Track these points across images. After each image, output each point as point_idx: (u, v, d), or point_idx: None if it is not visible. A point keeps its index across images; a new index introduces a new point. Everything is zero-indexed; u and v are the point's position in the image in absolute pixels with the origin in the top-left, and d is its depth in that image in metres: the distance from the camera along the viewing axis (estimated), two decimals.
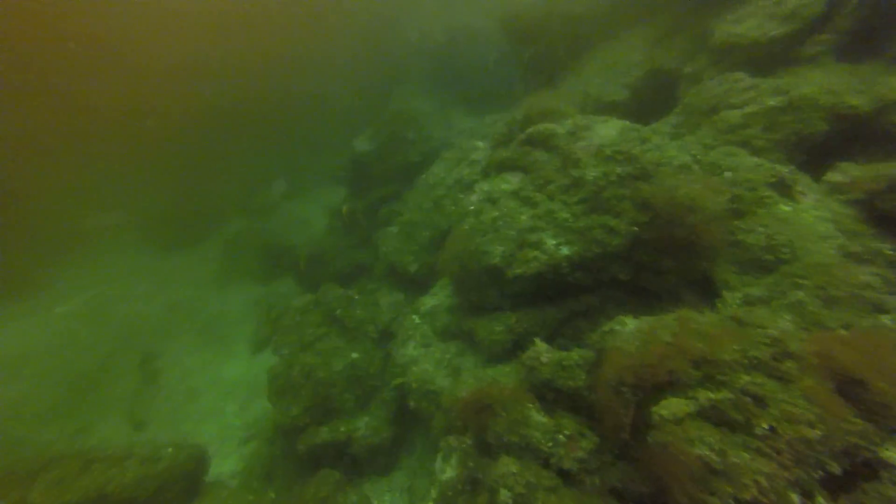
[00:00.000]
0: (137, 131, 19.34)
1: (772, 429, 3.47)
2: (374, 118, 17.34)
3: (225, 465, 8.84)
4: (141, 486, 7.63)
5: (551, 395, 4.74)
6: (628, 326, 4.49)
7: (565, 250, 6.13)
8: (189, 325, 13.11)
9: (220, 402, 10.33)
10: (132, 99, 19.33)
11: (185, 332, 12.99)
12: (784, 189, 6.05)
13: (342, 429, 7.77)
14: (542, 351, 4.99)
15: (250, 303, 13.21)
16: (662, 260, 5.74)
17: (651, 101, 7.96)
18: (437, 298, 7.87)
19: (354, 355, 8.19)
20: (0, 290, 15.30)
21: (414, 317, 7.80)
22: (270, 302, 12.52)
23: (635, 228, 5.83)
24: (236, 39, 19.63)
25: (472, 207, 7.42)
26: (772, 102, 6.95)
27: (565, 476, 4.20)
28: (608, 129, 6.85)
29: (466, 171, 9.18)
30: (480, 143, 9.72)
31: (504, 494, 4.19)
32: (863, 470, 3.36)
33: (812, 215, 5.75)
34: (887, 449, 3.38)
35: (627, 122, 6.82)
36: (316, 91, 20.30)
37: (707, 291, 5.78)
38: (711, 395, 3.68)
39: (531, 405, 4.69)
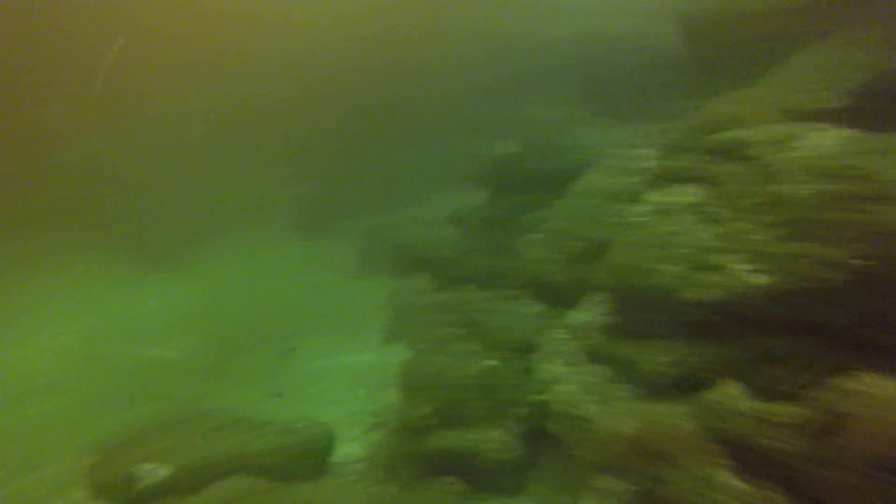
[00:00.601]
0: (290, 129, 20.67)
1: None
2: (508, 123, 16.91)
3: (349, 448, 8.89)
4: (275, 454, 7.89)
5: (748, 456, 3.92)
6: (888, 391, 3.55)
7: (761, 279, 5.19)
8: (326, 309, 13.63)
9: (350, 387, 10.51)
10: (287, 100, 20.78)
11: (322, 315, 13.52)
12: None
13: (471, 437, 7.41)
14: (737, 396, 4.18)
15: (385, 295, 13.41)
16: None
17: (881, 110, 6.64)
18: (588, 315, 7.22)
19: (491, 362, 7.80)
20: (154, 260, 17.07)
21: (560, 332, 7.23)
22: (405, 296, 12.59)
23: (863, 263, 4.75)
24: (370, 49, 20.32)
25: (638, 219, 6.66)
26: None
27: None
28: (825, 139, 5.75)
29: (629, 181, 8.40)
30: (644, 151, 8.87)
31: None
32: None
33: None
34: None
35: (852, 132, 5.68)
36: (442, 92, 20.38)
37: None
38: None
39: (720, 463, 3.92)
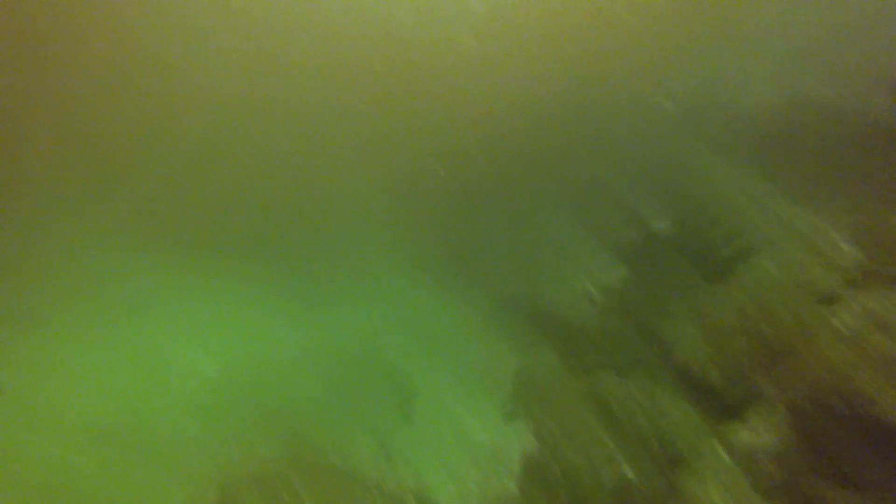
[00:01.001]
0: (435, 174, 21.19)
1: None
2: (669, 186, 15.61)
3: None
4: None
5: None
6: None
7: None
8: (450, 366, 13.22)
9: (464, 464, 9.81)
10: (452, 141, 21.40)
11: (446, 372, 13.12)
12: None
13: None
14: None
15: (513, 363, 12.70)
16: None
17: None
18: (758, 435, 5.89)
19: (628, 472, 6.69)
20: (298, 294, 18.02)
21: (721, 451, 5.96)
22: (535, 372, 11.77)
23: None
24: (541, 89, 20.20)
25: (839, 327, 5.36)
26: None
27: None
28: None
29: (821, 275, 7.00)
30: (846, 244, 7.41)
31: None
32: None
33: None
34: None
35: None
36: (605, 148, 19.53)
37: None
38: None
39: None
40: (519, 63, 21.04)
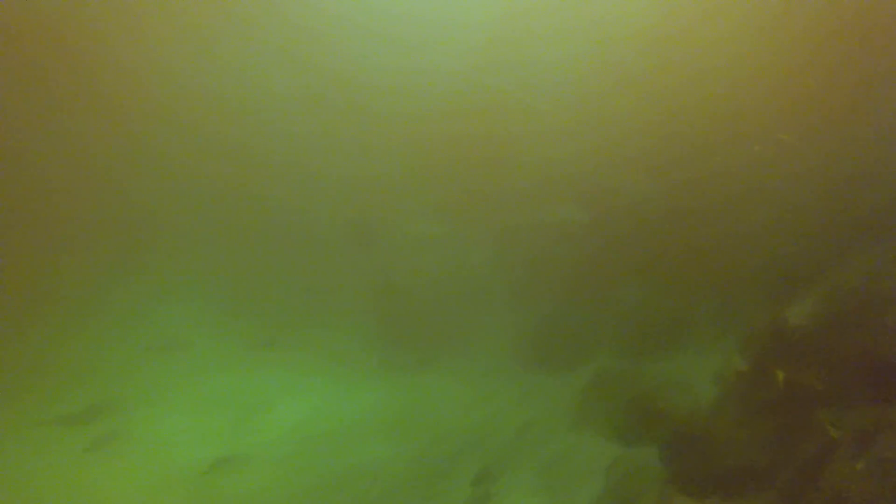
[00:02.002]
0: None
1: None
2: (817, 278, 13.62)
3: None
4: None
5: None
6: None
7: None
8: (532, 456, 12.08)
9: None
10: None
11: (527, 463, 11.99)
12: None
13: None
14: None
15: (603, 460, 11.31)
16: None
17: None
18: None
19: None
20: (384, 358, 17.85)
21: None
22: (630, 470, 10.35)
23: None
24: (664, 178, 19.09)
25: None
26: None
27: None
28: None
29: None
30: None
31: None
32: None
33: None
34: None
35: None
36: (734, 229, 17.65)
37: None
38: None
39: None
40: None
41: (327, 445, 14.00)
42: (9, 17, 18.26)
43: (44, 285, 18.26)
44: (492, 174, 22.69)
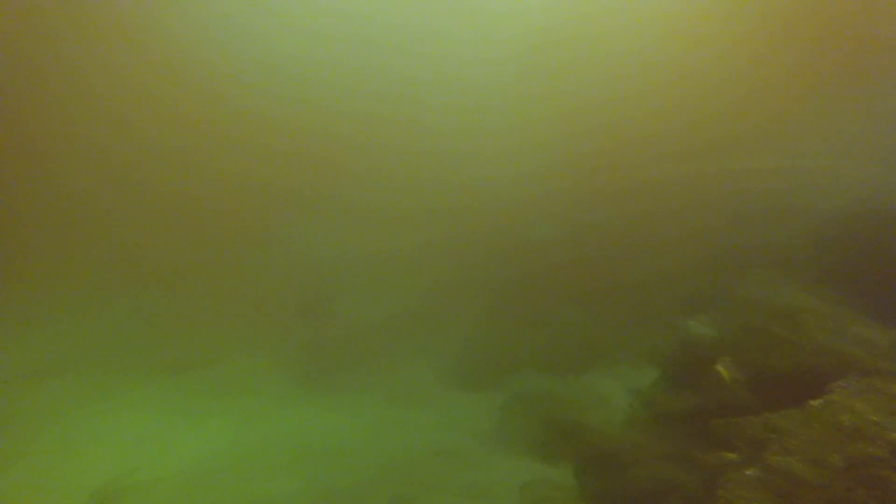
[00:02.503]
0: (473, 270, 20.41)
1: None
2: (715, 298, 14.27)
3: None
4: None
5: None
6: None
7: None
8: (449, 482, 11.61)
9: None
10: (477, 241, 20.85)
11: (443, 489, 11.50)
12: None
13: None
14: None
15: (518, 482, 11.03)
16: None
17: None
18: None
19: None
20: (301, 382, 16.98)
21: None
22: (541, 491, 10.11)
23: None
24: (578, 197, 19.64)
25: None
26: None
27: None
28: None
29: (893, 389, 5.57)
30: None
31: None
32: None
33: None
34: None
35: None
36: (649, 254, 18.37)
37: None
38: None
39: None
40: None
41: (230, 478, 12.87)
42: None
43: None
44: (415, 193, 22.60)
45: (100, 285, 18.93)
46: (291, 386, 17.27)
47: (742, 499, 7.26)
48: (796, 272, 13.09)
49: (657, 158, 19.63)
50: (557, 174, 19.85)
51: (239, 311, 20.00)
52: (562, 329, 18.42)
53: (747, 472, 7.29)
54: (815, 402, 5.88)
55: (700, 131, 20.35)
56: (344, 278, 22.09)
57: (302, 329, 20.10)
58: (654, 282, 17.20)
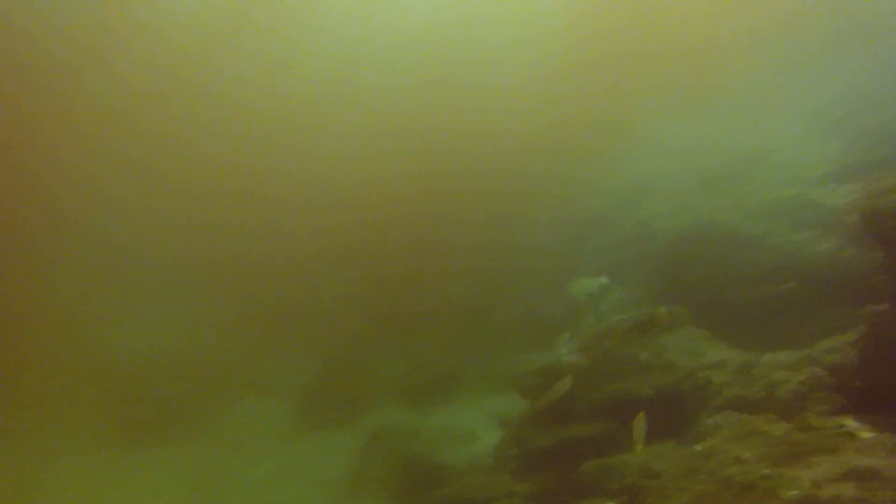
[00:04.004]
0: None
1: None
2: (573, 322, 14.11)
3: None
4: None
5: None
6: None
7: None
8: None
9: None
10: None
11: None
12: None
13: None
14: None
15: None
16: None
17: None
18: None
19: None
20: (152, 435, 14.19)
21: None
22: None
23: None
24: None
25: None
26: None
27: None
28: None
29: (776, 431, 5.11)
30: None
31: None
32: None
33: None
34: None
35: None
36: (495, 277, 18.13)
37: None
38: None
39: None
40: None
41: None
42: None
43: None
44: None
45: None
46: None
47: None
48: (648, 290, 13.35)
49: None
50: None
51: None
52: (421, 363, 17.26)
53: None
54: (699, 448, 5.26)
55: None
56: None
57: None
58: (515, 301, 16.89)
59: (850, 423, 5.04)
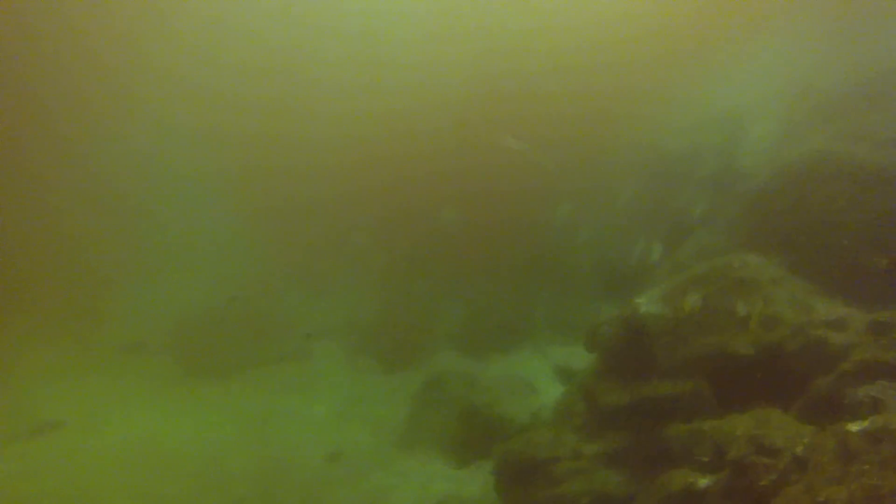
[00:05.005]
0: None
1: None
2: (659, 274, 12.71)
3: None
4: None
5: None
6: None
7: None
8: (343, 495, 9.34)
9: None
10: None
11: (336, 502, 9.23)
12: None
13: None
14: None
15: (431, 493, 8.97)
16: None
17: None
18: None
19: None
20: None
21: None
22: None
23: None
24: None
25: None
26: None
27: None
28: None
29: None
30: None
31: None
32: None
33: None
34: None
35: None
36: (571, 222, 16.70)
37: None
38: None
39: None
40: None
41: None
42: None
43: None
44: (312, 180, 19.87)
45: None
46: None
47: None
48: (736, 237, 11.72)
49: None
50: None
51: None
52: (481, 307, 16.44)
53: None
54: (853, 427, 4.01)
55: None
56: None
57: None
58: (586, 249, 15.55)
59: None
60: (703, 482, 5.19)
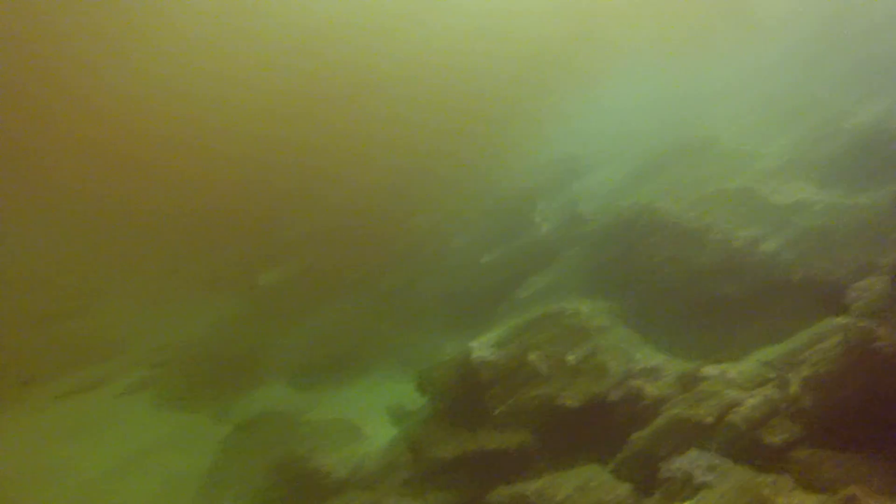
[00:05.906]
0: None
1: None
2: (498, 313, 12.47)
3: None
4: None
5: None
6: None
7: None
8: None
9: None
10: None
11: None
12: None
13: None
14: None
15: None
16: None
17: None
18: None
19: None
20: None
21: None
22: None
23: None
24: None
25: None
26: None
27: None
28: None
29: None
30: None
31: None
32: None
33: None
34: None
35: None
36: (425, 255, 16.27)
37: None
38: None
39: None
40: None
41: None
42: None
43: None
44: None
45: None
46: None
47: None
48: (573, 279, 12.02)
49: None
50: None
51: None
52: (324, 331, 15.14)
53: None
54: None
55: None
56: None
57: None
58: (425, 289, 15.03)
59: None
60: None
